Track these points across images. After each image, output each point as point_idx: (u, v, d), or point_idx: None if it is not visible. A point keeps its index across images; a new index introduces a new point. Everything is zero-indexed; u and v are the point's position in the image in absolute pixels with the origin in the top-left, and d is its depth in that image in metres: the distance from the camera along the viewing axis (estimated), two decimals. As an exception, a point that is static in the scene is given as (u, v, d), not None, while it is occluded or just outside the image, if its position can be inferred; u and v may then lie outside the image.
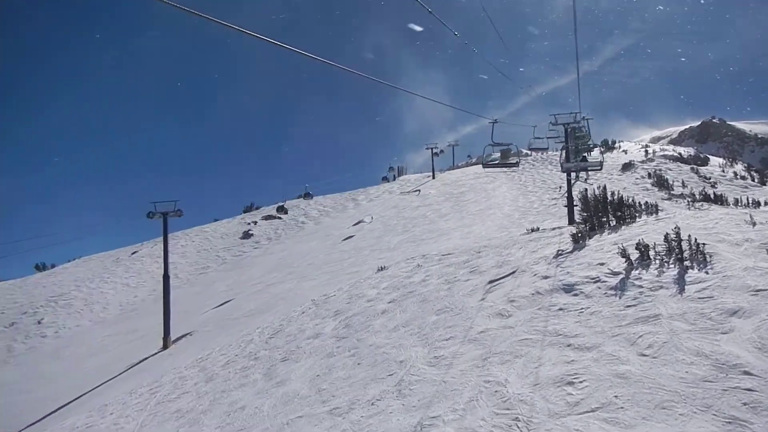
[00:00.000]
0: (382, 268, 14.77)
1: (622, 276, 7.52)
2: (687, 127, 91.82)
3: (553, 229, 13.71)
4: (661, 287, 6.79)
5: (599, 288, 7.38)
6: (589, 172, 31.17)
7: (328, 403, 6.44)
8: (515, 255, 11.04)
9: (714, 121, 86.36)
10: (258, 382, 8.51)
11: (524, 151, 28.83)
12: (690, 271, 6.95)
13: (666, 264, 7.51)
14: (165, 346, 17.47)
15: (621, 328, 6.03)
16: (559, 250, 10.09)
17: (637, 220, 11.07)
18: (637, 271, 7.50)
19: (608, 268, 7.93)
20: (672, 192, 26.36)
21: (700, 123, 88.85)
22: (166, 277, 18.54)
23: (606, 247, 9.19)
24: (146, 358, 16.94)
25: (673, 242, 7.86)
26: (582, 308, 6.92)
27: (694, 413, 4.23)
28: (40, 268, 37.14)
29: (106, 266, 34.50)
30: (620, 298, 6.89)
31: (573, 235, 10.17)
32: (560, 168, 25.82)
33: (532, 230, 14.15)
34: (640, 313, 6.25)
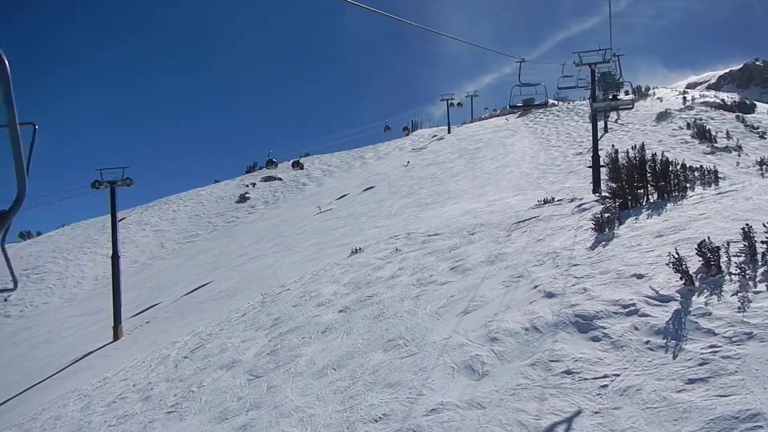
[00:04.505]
0: (356, 251, 11.90)
1: (675, 305, 4.47)
2: (727, 71, 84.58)
3: (572, 200, 10.55)
4: (751, 336, 3.76)
5: (636, 329, 4.35)
6: (621, 118, 27.90)
7: None
8: (515, 244, 8.00)
9: (757, 63, 79.10)
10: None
11: (550, 101, 24.96)
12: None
13: (751, 281, 4.44)
14: (115, 337, 15.00)
15: (683, 443, 3.04)
16: (573, 241, 7.03)
17: (689, 193, 7.86)
18: (702, 297, 4.44)
19: (651, 287, 4.87)
20: (715, 145, 22.76)
21: (741, 66, 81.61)
22: (114, 258, 15.87)
23: (645, 241, 6.09)
24: (92, 352, 14.54)
25: (759, 241, 4.75)
26: (606, 375, 3.92)
27: None
28: (24, 236, 34.85)
29: (90, 234, 32.12)
30: (675, 356, 3.89)
31: (596, 221, 7.01)
32: (590, 109, 22.21)
33: (544, 201, 10.98)
34: (720, 403, 3.25)
